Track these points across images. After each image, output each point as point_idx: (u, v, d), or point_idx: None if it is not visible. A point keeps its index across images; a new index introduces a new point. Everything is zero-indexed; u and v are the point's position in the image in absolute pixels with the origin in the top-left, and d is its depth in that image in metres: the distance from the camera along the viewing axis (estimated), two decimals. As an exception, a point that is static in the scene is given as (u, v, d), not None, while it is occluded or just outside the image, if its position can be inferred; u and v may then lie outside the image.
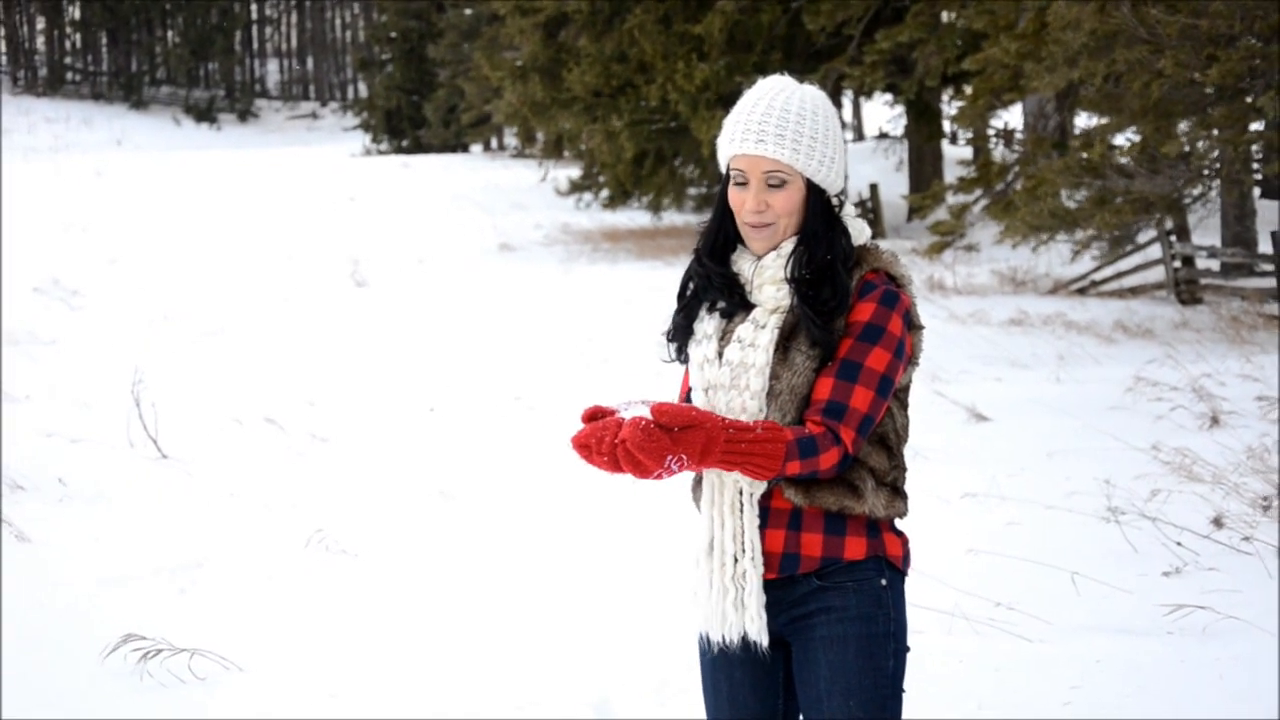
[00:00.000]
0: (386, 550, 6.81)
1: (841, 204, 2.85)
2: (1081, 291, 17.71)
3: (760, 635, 2.77)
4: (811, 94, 2.82)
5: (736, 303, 2.86)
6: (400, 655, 5.36)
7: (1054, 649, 5.12)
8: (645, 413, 2.50)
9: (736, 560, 2.78)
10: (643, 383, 10.46)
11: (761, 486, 2.75)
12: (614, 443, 2.49)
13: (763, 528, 2.78)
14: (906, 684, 2.86)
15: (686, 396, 2.90)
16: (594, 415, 2.58)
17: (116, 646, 5.18)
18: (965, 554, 6.20)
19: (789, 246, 2.80)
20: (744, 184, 2.80)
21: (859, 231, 2.84)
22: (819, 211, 2.80)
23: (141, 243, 25.75)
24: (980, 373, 11.50)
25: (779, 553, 2.78)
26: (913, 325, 2.82)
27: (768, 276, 2.81)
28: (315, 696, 4.98)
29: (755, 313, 2.82)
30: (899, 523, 2.88)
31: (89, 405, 10.69)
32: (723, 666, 2.90)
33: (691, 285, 2.92)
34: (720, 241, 2.88)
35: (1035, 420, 9.21)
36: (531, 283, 20.23)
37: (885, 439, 2.81)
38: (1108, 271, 18.28)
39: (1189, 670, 4.88)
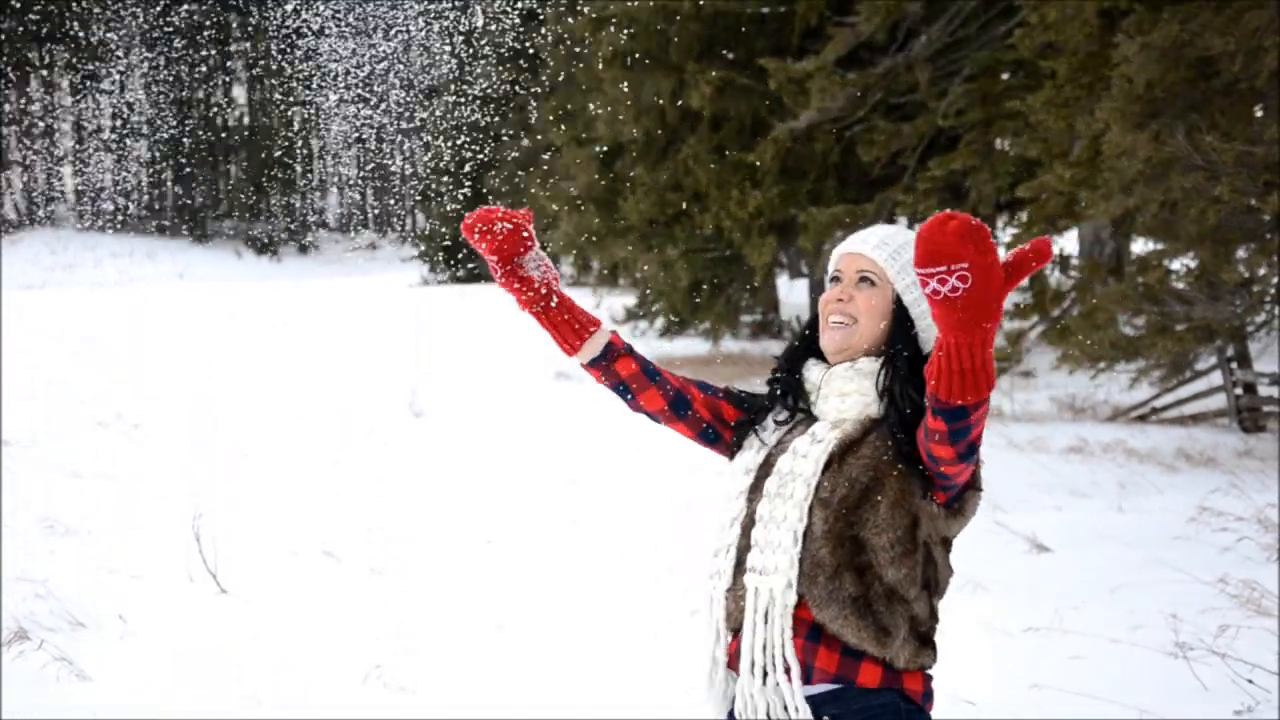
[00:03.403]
0: (443, 686, 6.77)
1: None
2: (1142, 419, 17.55)
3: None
4: None
5: (795, 407, 2.88)
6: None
7: (1123, 791, 5.01)
8: None
9: (766, 674, 2.72)
10: (700, 507, 10.42)
11: (793, 599, 2.69)
12: (950, 216, 2.32)
13: None
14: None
15: (731, 433, 2.96)
16: None
17: (174, 787, 5.16)
18: (1029, 689, 6.09)
19: (868, 364, 2.80)
20: (837, 280, 2.85)
21: None
22: (903, 339, 2.79)
23: (198, 376, 26.04)
24: (1040, 501, 11.38)
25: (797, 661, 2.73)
26: (974, 486, 2.80)
27: (835, 387, 2.80)
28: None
29: (816, 427, 2.80)
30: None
31: (150, 539, 10.74)
32: None
33: (771, 388, 2.96)
34: (802, 349, 2.92)
35: (1097, 551, 9.09)
36: (586, 411, 20.26)
37: (930, 585, 2.76)
38: (1168, 399, 18.11)
39: (1264, 813, 4.76)
